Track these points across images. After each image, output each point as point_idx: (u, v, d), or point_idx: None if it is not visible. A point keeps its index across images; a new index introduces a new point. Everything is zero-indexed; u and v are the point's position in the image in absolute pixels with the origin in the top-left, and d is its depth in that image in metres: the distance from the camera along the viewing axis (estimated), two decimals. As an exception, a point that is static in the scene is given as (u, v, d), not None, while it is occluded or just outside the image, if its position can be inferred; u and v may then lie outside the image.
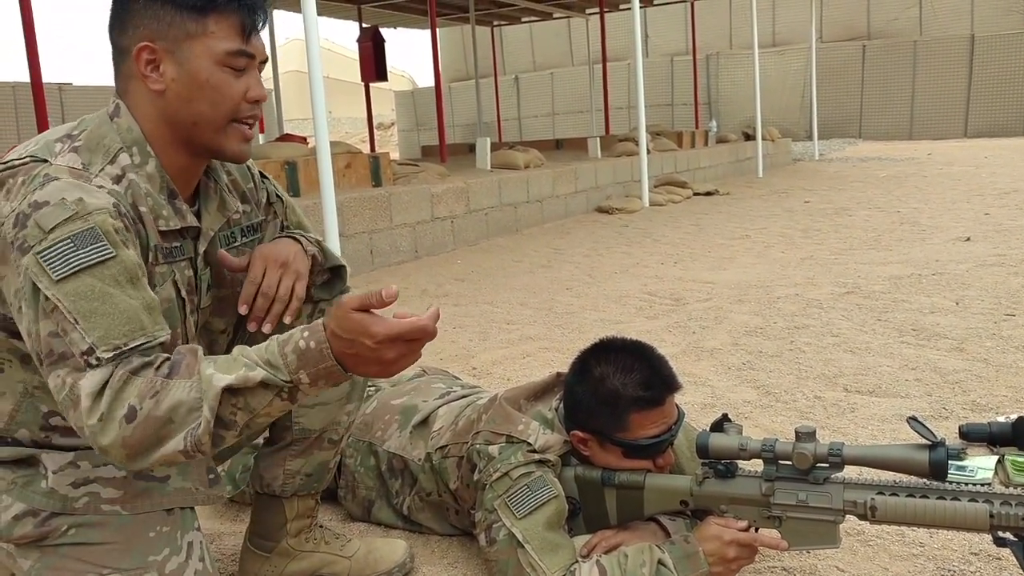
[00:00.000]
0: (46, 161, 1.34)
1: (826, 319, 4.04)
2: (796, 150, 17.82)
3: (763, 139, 14.41)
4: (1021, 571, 1.54)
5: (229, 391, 1.24)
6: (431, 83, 17.19)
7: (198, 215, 1.55)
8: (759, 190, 11.39)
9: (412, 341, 1.26)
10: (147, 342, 1.29)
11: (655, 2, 17.00)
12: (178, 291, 1.50)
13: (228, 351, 1.73)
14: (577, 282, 5.45)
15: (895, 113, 21.40)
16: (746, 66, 19.53)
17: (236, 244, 1.65)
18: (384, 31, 13.82)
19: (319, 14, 6.14)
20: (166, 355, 1.30)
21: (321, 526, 1.91)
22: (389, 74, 13.86)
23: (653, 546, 1.69)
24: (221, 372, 1.25)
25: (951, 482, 1.57)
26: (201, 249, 1.55)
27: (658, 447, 1.78)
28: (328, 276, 1.73)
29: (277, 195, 1.77)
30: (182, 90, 1.41)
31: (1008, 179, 10.73)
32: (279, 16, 19.26)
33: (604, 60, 13.73)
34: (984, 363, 3.20)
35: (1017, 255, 5.37)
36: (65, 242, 1.26)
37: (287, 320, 1.61)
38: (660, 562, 1.66)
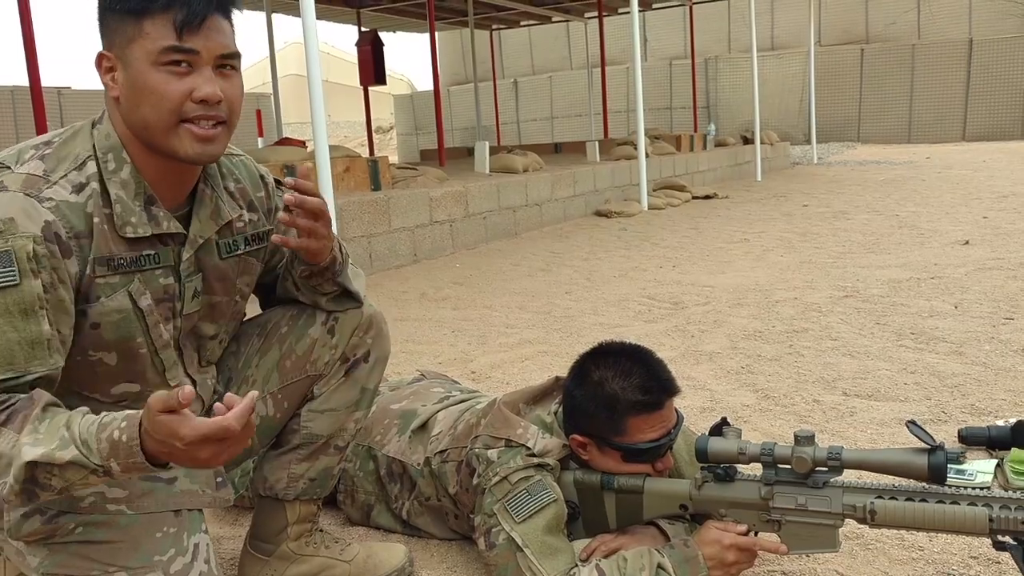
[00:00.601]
0: (8, 168, 1.37)
1: (825, 323, 4.05)
2: (794, 154, 17.85)
3: (761, 143, 14.43)
4: (1021, 574, 1.54)
5: (36, 464, 1.22)
6: (430, 87, 17.22)
7: (188, 221, 1.54)
8: (757, 194, 11.40)
9: (222, 440, 1.22)
10: (12, 377, 1.30)
11: (654, 6, 17.03)
12: (134, 301, 1.48)
13: (223, 358, 1.74)
14: (576, 286, 5.45)
15: (893, 117, 21.44)
16: (744, 70, 19.58)
17: (239, 252, 1.64)
18: (383, 35, 13.83)
19: (318, 18, 6.15)
20: (19, 395, 1.29)
21: (321, 530, 1.91)
22: (388, 78, 13.88)
23: (652, 550, 1.69)
24: (31, 445, 1.22)
25: (950, 486, 1.57)
26: (185, 256, 1.54)
27: (657, 451, 1.78)
28: (339, 291, 1.73)
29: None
30: (129, 95, 1.42)
31: (1006, 182, 10.74)
32: (278, 20, 19.29)
33: (603, 64, 13.75)
34: (983, 367, 3.20)
35: (1015, 258, 5.37)
36: None
37: (324, 231, 1.57)
38: (659, 566, 1.65)
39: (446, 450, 1.95)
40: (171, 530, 1.50)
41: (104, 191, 1.44)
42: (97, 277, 1.43)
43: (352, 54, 15.14)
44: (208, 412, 1.63)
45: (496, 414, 1.87)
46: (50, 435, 1.24)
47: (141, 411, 1.23)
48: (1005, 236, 6.41)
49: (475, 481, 1.82)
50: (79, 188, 1.41)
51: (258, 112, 16.35)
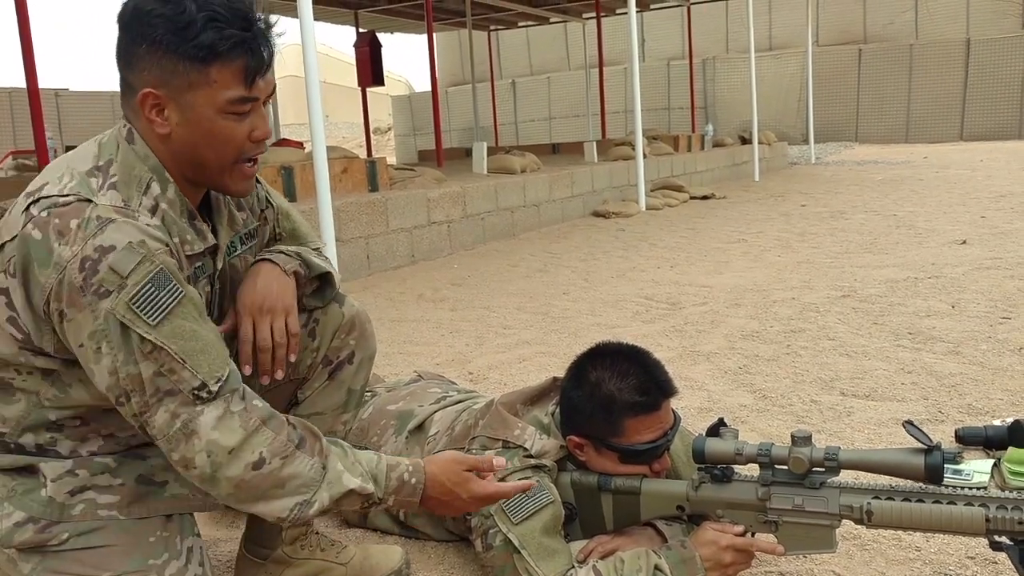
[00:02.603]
0: (91, 201, 1.34)
1: (822, 323, 4.05)
2: (792, 154, 17.87)
3: (759, 143, 14.44)
4: (1017, 575, 1.54)
5: (352, 491, 1.42)
6: (428, 88, 17.21)
7: (214, 231, 1.56)
8: (755, 194, 11.40)
9: (488, 501, 1.56)
10: (232, 370, 1.39)
11: (651, 7, 17.03)
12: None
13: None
14: (573, 286, 5.45)
15: (891, 116, 21.46)
16: (742, 70, 19.60)
17: (237, 253, 1.65)
18: (381, 36, 13.82)
19: (316, 19, 6.15)
20: (292, 418, 1.43)
21: (317, 532, 1.91)
22: (386, 79, 13.88)
23: (649, 551, 1.69)
24: (349, 473, 1.42)
25: (947, 486, 1.57)
26: (219, 265, 1.57)
27: (654, 452, 1.78)
28: (318, 283, 1.71)
29: (268, 201, 1.75)
30: (186, 136, 1.41)
31: (1004, 182, 10.75)
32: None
33: (601, 64, 13.75)
34: (980, 366, 3.21)
35: (1013, 258, 5.38)
36: (147, 286, 1.31)
37: (292, 359, 1.63)
38: (656, 567, 1.65)
39: (443, 451, 1.95)
40: (164, 534, 1.50)
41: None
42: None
43: (350, 55, 15.14)
44: None
45: (493, 415, 1.87)
46: (352, 467, 1.43)
47: (422, 460, 1.52)
48: (1002, 235, 6.42)
49: (472, 482, 1.81)
50: (152, 211, 1.42)
51: (256, 113, 16.30)
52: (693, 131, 15.70)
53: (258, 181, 1.74)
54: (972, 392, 2.93)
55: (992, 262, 5.29)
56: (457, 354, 3.87)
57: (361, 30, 14.49)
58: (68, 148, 9.70)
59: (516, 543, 1.68)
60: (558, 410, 1.87)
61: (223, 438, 1.34)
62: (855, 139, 21.63)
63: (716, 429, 1.71)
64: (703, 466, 1.73)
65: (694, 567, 1.67)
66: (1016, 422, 2.36)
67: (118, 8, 1.41)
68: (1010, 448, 2.32)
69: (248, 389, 1.41)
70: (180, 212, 1.46)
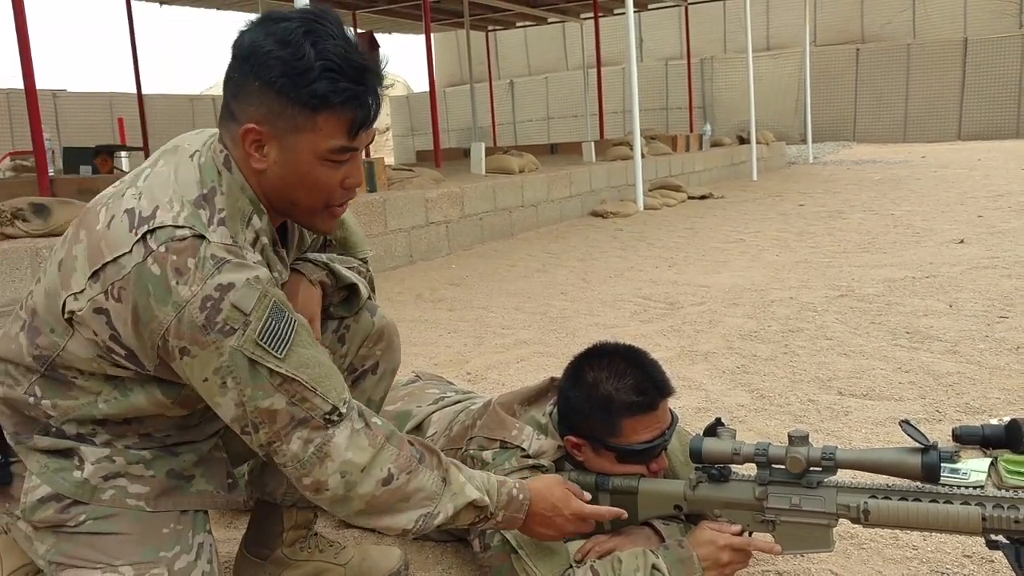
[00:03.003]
0: (204, 238, 1.36)
1: (820, 322, 4.05)
2: (790, 153, 17.88)
3: (757, 142, 14.45)
4: (1014, 573, 1.54)
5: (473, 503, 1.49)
6: (426, 88, 17.20)
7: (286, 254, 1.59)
8: (753, 193, 11.41)
9: (586, 523, 1.66)
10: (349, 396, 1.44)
11: (649, 7, 17.04)
12: None
13: None
14: (571, 286, 5.45)
15: (889, 116, 21.48)
16: (740, 70, 19.61)
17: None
18: (379, 36, 13.82)
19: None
20: (412, 436, 1.52)
21: (316, 534, 1.91)
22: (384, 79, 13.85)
23: (647, 551, 1.69)
24: (470, 484, 1.50)
25: (944, 485, 1.57)
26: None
27: (651, 452, 1.78)
28: (346, 294, 1.73)
29: None
30: (282, 174, 1.42)
31: (1001, 182, 10.76)
32: (273, 21, 19.35)
33: (598, 64, 13.75)
34: (977, 366, 3.21)
35: (1010, 257, 5.38)
36: (269, 321, 1.35)
37: None
38: (654, 567, 1.66)
39: (441, 451, 1.95)
40: (177, 527, 1.52)
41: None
42: None
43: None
44: None
45: (491, 415, 1.87)
46: (470, 479, 1.51)
47: (526, 480, 1.62)
48: (1000, 235, 6.43)
49: (470, 483, 1.81)
50: (254, 243, 1.44)
51: (254, 114, 16.31)
52: (691, 131, 15.70)
53: None
54: (969, 391, 2.94)
55: (990, 261, 5.30)
56: (455, 354, 3.87)
57: (359, 30, 14.48)
58: (66, 149, 9.69)
59: (514, 543, 1.68)
60: (556, 410, 1.87)
61: (355, 457, 1.39)
62: (853, 139, 21.65)
63: (713, 429, 1.71)
64: (700, 466, 1.73)
65: (692, 566, 1.67)
66: (1013, 421, 2.36)
67: (234, 36, 1.41)
68: (1007, 448, 2.33)
69: (362, 405, 1.46)
70: (270, 241, 1.50)
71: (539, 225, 8.56)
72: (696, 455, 1.69)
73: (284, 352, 1.35)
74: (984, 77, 20.33)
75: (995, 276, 4.82)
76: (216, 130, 1.49)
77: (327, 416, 1.38)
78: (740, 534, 1.70)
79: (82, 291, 1.38)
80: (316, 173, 1.42)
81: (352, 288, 1.72)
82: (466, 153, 10.58)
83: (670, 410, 1.82)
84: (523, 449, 1.79)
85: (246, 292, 1.34)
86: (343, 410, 1.39)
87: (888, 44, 21.58)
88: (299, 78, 1.34)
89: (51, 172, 7.25)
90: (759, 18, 21.67)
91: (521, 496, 1.55)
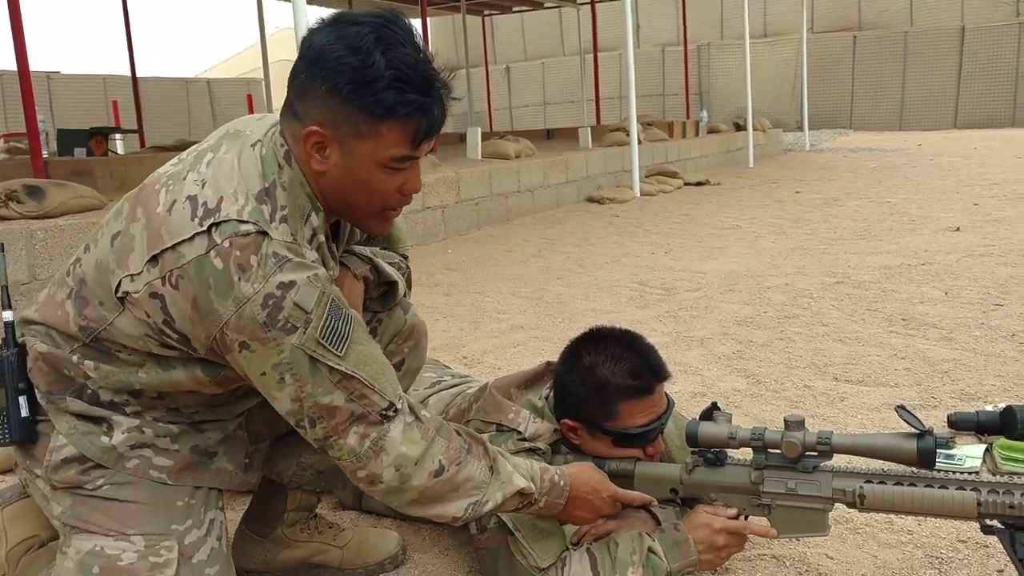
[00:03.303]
0: (266, 234, 1.36)
1: (816, 309, 4.06)
2: (787, 140, 17.86)
3: (754, 129, 14.42)
4: (1008, 558, 1.55)
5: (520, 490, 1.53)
6: (422, 72, 17.09)
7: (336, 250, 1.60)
8: (750, 180, 11.41)
9: (615, 504, 1.72)
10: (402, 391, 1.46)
11: (646, -8, 16.96)
12: None
13: None
14: (568, 272, 5.45)
15: (885, 104, 21.46)
16: (737, 56, 19.55)
17: None
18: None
19: (309, 3, 6.10)
20: (457, 426, 1.54)
21: (316, 515, 1.92)
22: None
23: (643, 534, 1.70)
24: (517, 472, 1.53)
25: (939, 470, 1.58)
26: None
27: (647, 436, 1.78)
28: (384, 289, 1.74)
29: None
30: (341, 178, 1.42)
31: (997, 170, 10.77)
32: (268, 5, 19.21)
33: (595, 50, 13.70)
34: (972, 352, 3.22)
35: (1006, 245, 5.39)
36: (329, 319, 1.37)
37: None
38: (650, 550, 1.66)
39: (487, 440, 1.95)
40: (191, 501, 1.53)
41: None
42: None
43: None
44: (265, 402, 1.69)
45: (487, 399, 1.87)
46: (517, 466, 1.55)
47: (565, 466, 1.66)
48: (995, 223, 6.44)
49: (466, 465, 1.81)
50: (310, 241, 1.45)
51: (249, 97, 16.27)
52: (688, 117, 15.66)
53: None
54: (964, 378, 2.95)
55: (985, 249, 5.31)
56: (451, 339, 3.87)
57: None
58: (60, 131, 9.62)
59: (510, 525, 1.69)
60: (552, 394, 1.87)
61: (409, 450, 1.41)
62: (849, 126, 21.63)
63: (710, 413, 1.72)
64: (697, 450, 1.74)
65: (687, 549, 1.68)
66: (1008, 408, 2.38)
67: (304, 35, 1.41)
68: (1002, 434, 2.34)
69: (411, 398, 1.49)
70: (326, 238, 1.50)
71: (535, 211, 8.55)
72: (692, 439, 1.69)
73: (344, 350, 1.37)
74: (981, 65, 20.31)
75: (991, 264, 4.83)
76: (276, 118, 1.49)
77: (383, 412, 1.40)
78: (736, 518, 1.70)
79: (139, 274, 1.38)
80: (375, 179, 1.42)
81: (391, 285, 1.73)
82: (462, 138, 10.54)
83: (666, 394, 1.82)
84: (519, 432, 1.79)
85: (307, 291, 1.35)
86: (399, 406, 1.42)
87: (885, 31, 21.54)
88: (367, 87, 1.34)
89: (45, 154, 7.21)
90: (756, 4, 21.60)
91: (563, 483, 1.60)
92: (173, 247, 1.35)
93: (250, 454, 1.67)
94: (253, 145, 1.45)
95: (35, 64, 6.72)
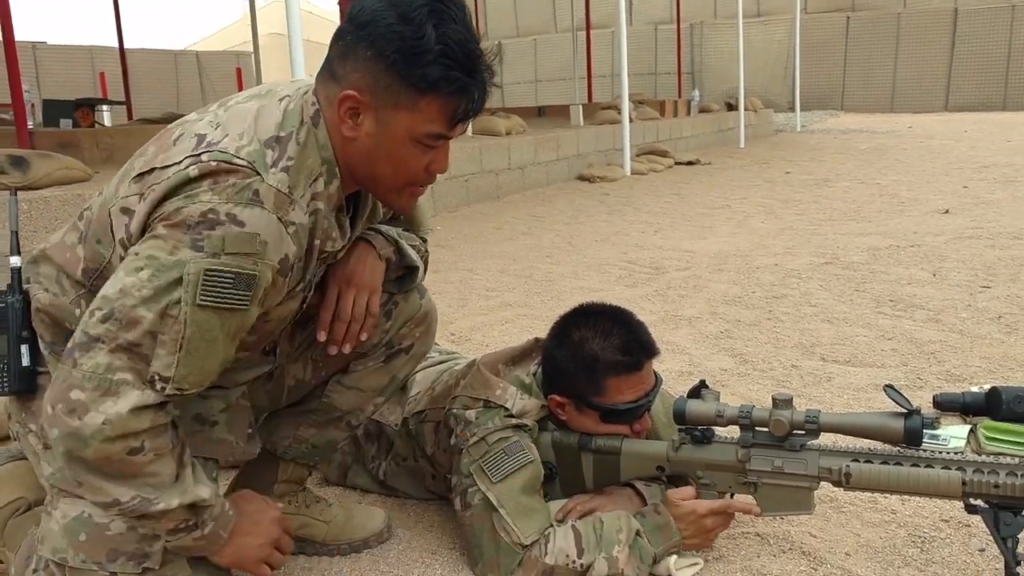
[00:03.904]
0: (259, 175, 1.32)
1: (804, 289, 4.06)
2: (778, 121, 17.83)
3: (745, 109, 14.40)
4: (990, 537, 1.56)
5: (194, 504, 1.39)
6: (413, 48, 16.98)
7: (353, 222, 1.56)
8: (740, 160, 11.40)
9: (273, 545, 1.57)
10: (197, 391, 1.36)
11: (640, -31, 16.85)
12: (303, 303, 1.53)
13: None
14: (557, 250, 5.44)
15: (877, 86, 21.43)
16: (730, 36, 19.48)
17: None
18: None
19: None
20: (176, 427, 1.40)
21: (305, 489, 1.91)
22: (370, 38, 13.67)
23: (630, 516, 1.70)
24: (203, 485, 1.40)
25: (924, 450, 1.58)
26: (341, 255, 1.58)
27: (635, 412, 1.78)
28: (403, 271, 1.72)
29: None
30: (371, 148, 1.40)
31: (987, 153, 10.79)
32: (259, -23, 19.00)
33: (588, 27, 13.62)
34: (959, 334, 3.23)
35: (994, 228, 5.41)
36: (228, 275, 1.29)
37: (363, 337, 1.65)
38: (637, 532, 1.67)
39: (424, 411, 1.95)
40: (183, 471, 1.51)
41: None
42: (297, 288, 1.47)
43: (334, 13, 14.92)
44: (269, 375, 1.72)
45: (475, 375, 1.86)
46: (199, 482, 1.40)
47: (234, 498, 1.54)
48: (984, 205, 6.45)
49: (452, 441, 1.81)
50: (308, 205, 1.40)
51: (238, 71, 16.13)
52: (679, 96, 15.62)
53: None
54: (951, 359, 2.96)
55: (974, 232, 5.32)
56: (440, 315, 3.82)
57: (346, -13, 14.27)
58: (46, 102, 9.52)
59: (495, 502, 1.68)
60: (540, 370, 1.87)
61: (131, 419, 1.27)
62: (841, 108, 21.61)
63: (698, 391, 1.72)
64: (684, 427, 1.74)
65: (669, 532, 1.69)
66: (993, 389, 2.38)
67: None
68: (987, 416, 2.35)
69: (179, 428, 1.38)
70: (333, 207, 1.46)
71: (525, 188, 8.52)
72: (680, 416, 1.69)
73: (206, 302, 1.28)
74: (973, 48, 20.29)
75: (979, 246, 4.84)
76: (311, 82, 1.46)
77: (154, 376, 1.29)
78: (721, 496, 1.71)
79: (125, 196, 1.37)
80: (405, 153, 1.40)
81: (411, 269, 1.72)
82: (453, 114, 10.47)
83: (654, 372, 1.82)
84: (506, 408, 1.78)
85: (244, 238, 1.29)
86: (170, 390, 1.30)
87: (878, 12, 21.47)
88: (415, 58, 1.32)
89: (31, 125, 7.14)
90: (750, -17, 21.49)
91: (231, 512, 1.46)
92: (163, 167, 1.33)
93: (252, 424, 1.66)
94: (281, 99, 1.43)
95: (21, 34, 6.64)
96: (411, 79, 1.33)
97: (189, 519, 1.39)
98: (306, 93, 1.44)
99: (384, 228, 1.69)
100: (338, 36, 1.39)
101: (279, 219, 1.34)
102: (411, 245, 1.73)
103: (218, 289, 1.29)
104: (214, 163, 1.31)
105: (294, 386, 1.76)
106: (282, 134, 1.38)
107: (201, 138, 1.35)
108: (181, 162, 1.32)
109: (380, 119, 1.37)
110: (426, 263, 1.80)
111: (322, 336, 1.62)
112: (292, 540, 1.62)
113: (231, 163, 1.32)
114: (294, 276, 1.43)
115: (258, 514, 1.53)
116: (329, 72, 1.40)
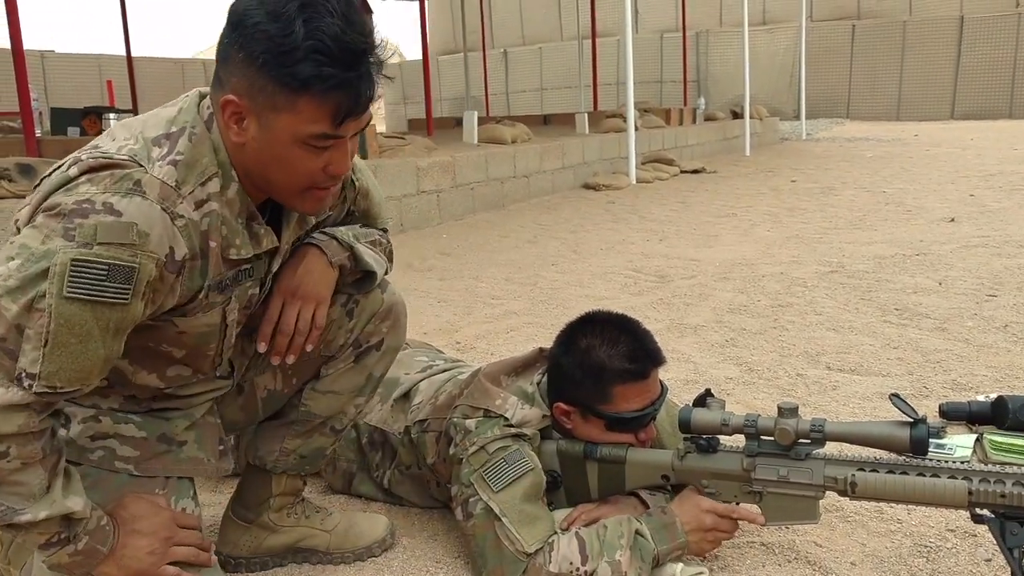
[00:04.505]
0: (142, 167, 1.30)
1: (810, 298, 4.05)
2: (784, 129, 17.83)
3: (751, 117, 14.40)
4: (997, 547, 1.55)
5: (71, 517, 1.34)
6: (419, 56, 17.05)
7: (278, 231, 1.51)
8: (746, 168, 11.39)
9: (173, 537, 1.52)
10: (78, 389, 1.29)
11: (645, -22, 16.88)
12: (224, 318, 1.48)
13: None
14: (562, 258, 5.44)
15: (883, 94, 21.41)
16: (735, 44, 19.46)
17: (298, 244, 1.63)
18: (372, 2, 13.67)
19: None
20: (60, 432, 1.36)
21: (303, 500, 1.90)
22: (376, 46, 13.70)
23: (631, 518, 1.70)
24: (74, 496, 1.33)
25: (930, 459, 1.58)
26: (275, 267, 1.54)
27: (641, 421, 1.78)
28: (361, 275, 1.69)
29: (352, 180, 1.70)
30: (259, 153, 1.36)
31: (993, 161, 10.76)
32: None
33: (593, 35, 13.64)
34: (965, 343, 3.22)
35: (1000, 236, 5.39)
36: (101, 266, 1.23)
37: (308, 348, 1.61)
38: (638, 532, 1.66)
39: (426, 420, 1.95)
40: (161, 491, 1.52)
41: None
42: (207, 300, 1.42)
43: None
44: (239, 389, 1.69)
45: (476, 385, 1.86)
46: (72, 491, 1.34)
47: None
48: (991, 214, 6.43)
49: (452, 451, 1.81)
50: (199, 205, 1.36)
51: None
52: (685, 104, 15.63)
53: None
54: (957, 368, 2.95)
55: (980, 240, 5.30)
56: (445, 323, 3.86)
57: (352, -4, 14.30)
58: (54, 110, 9.56)
59: (497, 511, 1.68)
60: (544, 380, 1.87)
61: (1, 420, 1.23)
62: (846, 116, 21.58)
63: (703, 400, 1.71)
64: (689, 436, 1.74)
65: (674, 531, 1.68)
66: (999, 398, 2.39)
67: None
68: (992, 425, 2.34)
69: (57, 428, 1.34)
70: (237, 213, 1.41)
71: (531, 196, 8.53)
72: (685, 425, 1.69)
73: (74, 295, 1.22)
74: (979, 56, 20.26)
75: (985, 255, 4.83)
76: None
77: (23, 371, 1.22)
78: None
79: (22, 208, 1.35)
80: (294, 156, 1.35)
81: (368, 273, 1.69)
82: (458, 122, 10.50)
83: (660, 381, 1.82)
84: (506, 418, 1.78)
85: (117, 229, 1.24)
86: (37, 388, 1.23)
87: (884, 20, 21.47)
88: (283, 57, 1.27)
89: (38, 133, 7.17)
90: (756, -8, 21.51)
91: (107, 527, 1.40)
92: (48, 175, 1.32)
93: (224, 440, 1.64)
94: (176, 104, 1.41)
95: (29, 43, 6.67)
96: (283, 80, 1.28)
97: (61, 532, 1.33)
98: (204, 98, 1.41)
99: (340, 232, 1.65)
100: (220, 39, 1.35)
101: (164, 210, 1.29)
102: (371, 241, 1.70)
103: (89, 281, 1.23)
104: (92, 160, 1.29)
105: (267, 397, 1.74)
106: (173, 130, 1.36)
107: (93, 147, 1.35)
108: (63, 164, 1.32)
109: (263, 123, 1.33)
110: (390, 255, 1.77)
111: (262, 347, 1.59)
112: (200, 534, 1.54)
113: (111, 159, 1.30)
114: (190, 277, 1.37)
115: (142, 519, 1.45)
116: (216, 78, 1.36)
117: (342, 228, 1.68)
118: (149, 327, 1.40)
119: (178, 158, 1.34)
